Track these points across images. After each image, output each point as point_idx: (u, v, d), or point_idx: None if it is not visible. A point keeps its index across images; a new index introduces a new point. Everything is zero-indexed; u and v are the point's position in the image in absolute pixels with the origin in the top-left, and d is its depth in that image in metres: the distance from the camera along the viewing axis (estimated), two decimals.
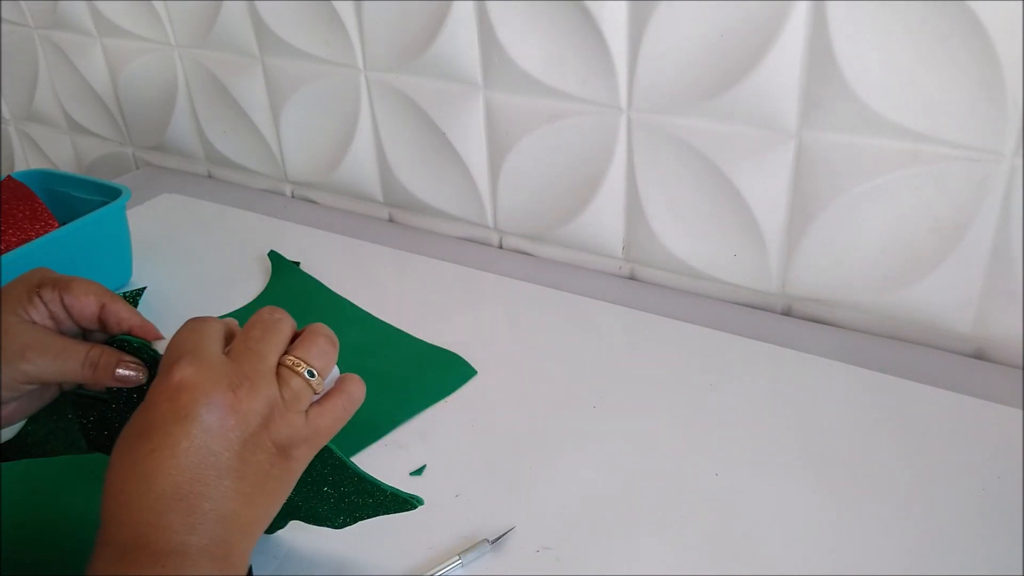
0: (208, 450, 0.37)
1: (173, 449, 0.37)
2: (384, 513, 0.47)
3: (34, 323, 0.45)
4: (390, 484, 0.45)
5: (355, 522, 0.47)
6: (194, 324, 0.41)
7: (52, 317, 0.45)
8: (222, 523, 0.37)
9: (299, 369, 0.41)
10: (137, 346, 0.45)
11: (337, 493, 0.45)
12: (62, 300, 0.45)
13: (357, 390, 0.43)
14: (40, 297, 0.45)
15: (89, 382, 0.44)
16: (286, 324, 0.43)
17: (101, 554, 0.36)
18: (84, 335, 0.47)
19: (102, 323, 0.46)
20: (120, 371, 0.44)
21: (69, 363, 0.44)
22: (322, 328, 0.43)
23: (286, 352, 0.42)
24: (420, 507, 0.46)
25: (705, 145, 0.66)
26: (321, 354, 0.42)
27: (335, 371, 0.44)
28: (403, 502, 0.46)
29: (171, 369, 0.38)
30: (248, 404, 0.38)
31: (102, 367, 0.44)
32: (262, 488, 0.39)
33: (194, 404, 0.37)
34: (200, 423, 0.37)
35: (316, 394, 0.42)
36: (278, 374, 0.41)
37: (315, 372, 0.41)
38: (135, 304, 0.72)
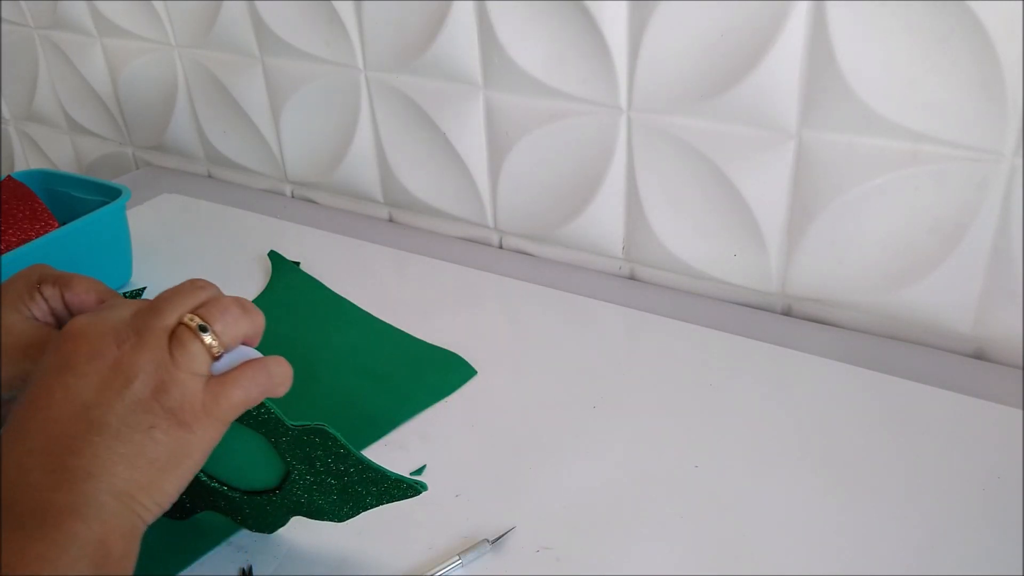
0: (82, 403, 0.35)
1: (48, 400, 0.36)
2: (388, 501, 0.46)
3: (35, 320, 0.44)
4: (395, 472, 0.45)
5: (358, 513, 0.47)
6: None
7: (53, 313, 0.45)
8: (91, 482, 0.35)
9: (192, 323, 0.39)
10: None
11: (340, 483, 0.45)
12: (63, 297, 0.45)
13: (279, 370, 0.41)
14: (41, 293, 0.45)
15: None
16: (204, 292, 0.41)
17: None
18: None
19: None
20: None
21: None
22: (238, 298, 0.41)
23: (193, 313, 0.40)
24: (423, 506, 0.46)
25: (705, 145, 0.66)
26: (228, 319, 0.40)
27: (253, 352, 0.41)
28: (407, 488, 0.46)
29: (67, 325, 0.38)
30: (132, 359, 0.37)
31: None
32: (146, 454, 0.36)
33: (75, 354, 0.36)
34: (77, 373, 0.36)
35: (215, 359, 0.39)
36: (173, 334, 0.38)
37: (211, 332, 0.39)
38: None
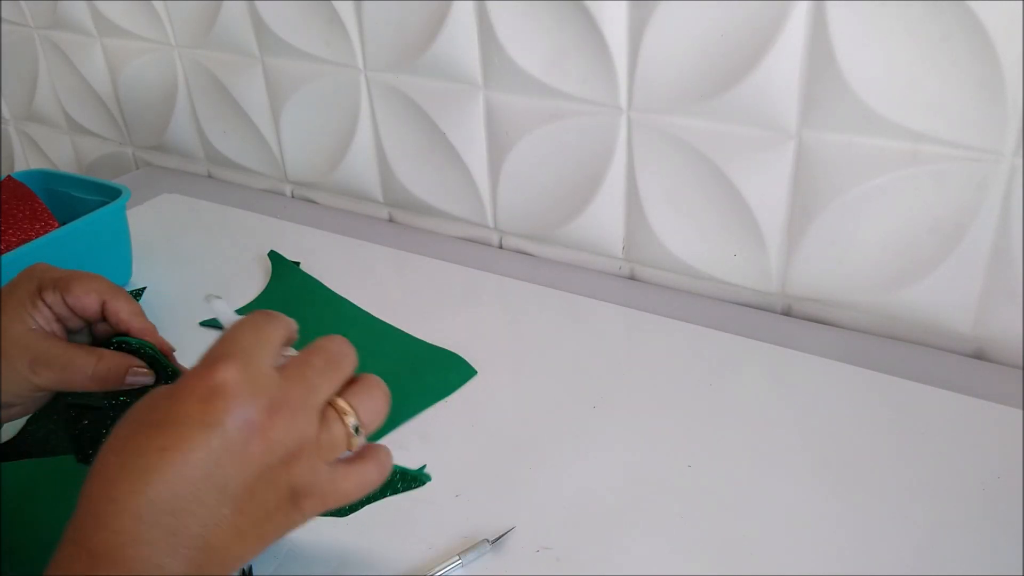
0: (220, 469, 0.33)
1: (185, 454, 0.33)
2: (393, 493, 0.46)
3: (40, 330, 0.44)
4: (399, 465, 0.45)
5: (362, 507, 0.47)
6: (257, 322, 0.38)
7: (57, 319, 0.45)
8: (204, 553, 0.33)
9: (347, 419, 0.37)
10: (136, 346, 0.45)
11: None
12: (64, 300, 0.44)
13: (387, 462, 0.40)
14: (43, 300, 0.44)
15: (98, 391, 0.44)
16: (349, 363, 0.39)
17: (67, 554, 0.33)
18: (91, 328, 0.47)
19: (104, 318, 0.46)
20: (130, 379, 0.43)
21: (76, 376, 0.43)
22: (381, 383, 0.40)
23: (339, 393, 0.38)
24: (423, 506, 0.46)
25: (705, 145, 0.66)
26: (374, 411, 0.39)
27: None
28: (412, 479, 0.45)
29: (214, 366, 0.34)
30: (280, 433, 0.35)
31: (112, 379, 0.43)
32: (258, 529, 0.35)
33: (225, 413, 0.33)
34: (224, 436, 0.33)
35: (349, 451, 0.38)
36: (323, 413, 0.37)
37: (360, 428, 0.38)
38: None
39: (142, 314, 0.46)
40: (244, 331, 0.37)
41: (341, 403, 0.38)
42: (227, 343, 0.36)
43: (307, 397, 0.36)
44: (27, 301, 0.44)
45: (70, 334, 0.47)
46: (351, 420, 0.37)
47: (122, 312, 0.45)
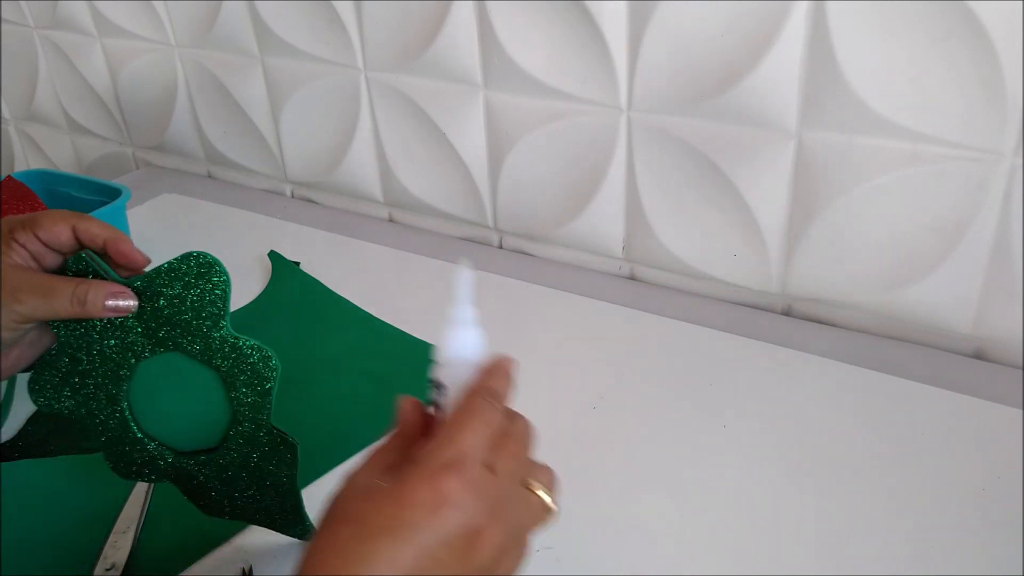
0: (444, 572, 0.34)
1: (417, 560, 0.33)
2: (273, 528, 0.48)
3: (18, 265, 0.45)
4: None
5: (238, 521, 0.48)
6: (478, 414, 0.38)
7: (34, 257, 0.46)
8: None
9: (540, 492, 0.39)
10: (101, 268, 0.45)
11: (254, 488, 0.46)
12: (37, 237, 0.45)
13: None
14: (16, 241, 0.45)
15: (81, 316, 0.44)
16: (532, 440, 0.41)
17: None
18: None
19: (80, 245, 0.46)
20: (111, 302, 0.44)
21: (58, 300, 0.44)
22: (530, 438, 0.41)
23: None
24: None
25: (705, 145, 0.66)
26: (548, 473, 0.40)
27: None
28: (302, 532, 0.47)
29: (441, 473, 0.35)
30: (499, 536, 0.35)
31: (91, 301, 0.44)
32: None
33: (452, 521, 0.34)
34: (449, 543, 0.34)
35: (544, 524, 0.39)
36: (525, 496, 0.38)
37: (551, 496, 0.39)
38: None
39: (111, 227, 0.47)
40: (470, 426, 0.38)
41: (541, 488, 0.39)
42: (452, 441, 0.37)
43: (515, 491, 0.38)
44: (2, 244, 0.45)
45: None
46: (546, 497, 0.39)
47: (93, 227, 0.46)
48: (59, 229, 0.45)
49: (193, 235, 0.87)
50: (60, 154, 1.18)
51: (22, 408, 0.59)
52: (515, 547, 0.37)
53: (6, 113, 1.21)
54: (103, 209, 0.72)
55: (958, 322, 0.62)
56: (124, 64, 1.01)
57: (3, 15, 1.09)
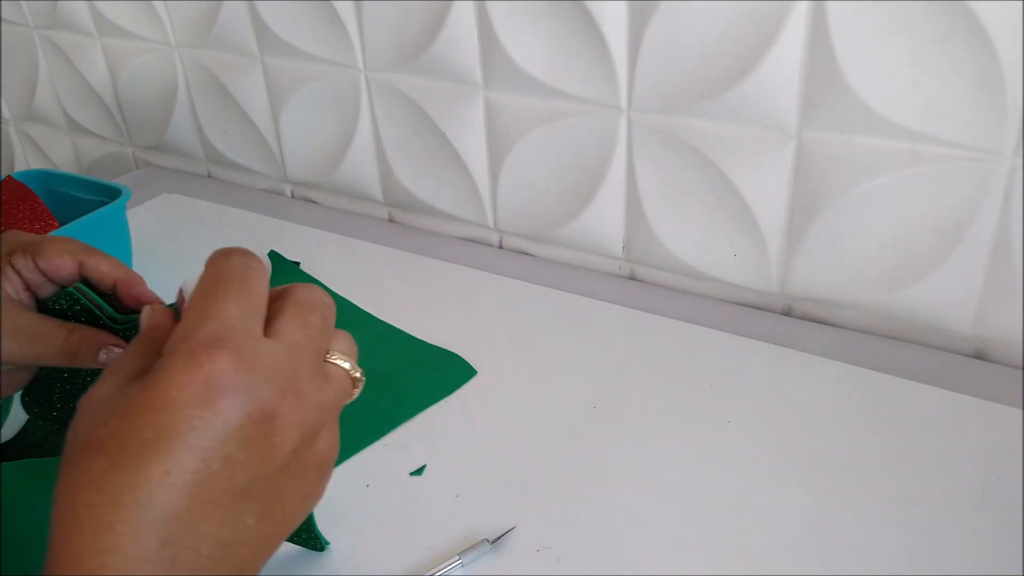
0: (241, 475, 0.28)
1: (197, 472, 0.27)
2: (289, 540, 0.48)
3: (8, 298, 0.40)
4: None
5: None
6: (236, 276, 0.31)
7: (27, 286, 0.41)
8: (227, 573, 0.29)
9: (344, 364, 0.34)
10: (95, 303, 0.41)
11: None
12: (36, 265, 0.41)
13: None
14: (12, 266, 0.41)
15: (70, 365, 0.41)
16: (332, 311, 0.34)
17: None
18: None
19: (85, 280, 0.42)
20: (103, 356, 0.40)
21: (46, 349, 0.40)
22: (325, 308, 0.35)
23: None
24: (423, 506, 0.46)
25: (705, 145, 0.66)
26: (348, 342, 0.35)
27: None
28: (311, 539, 0.47)
29: (202, 356, 0.28)
30: (300, 414, 0.30)
31: (83, 354, 0.40)
32: (288, 523, 0.32)
33: (232, 410, 0.28)
34: (241, 435, 0.28)
35: (353, 397, 0.35)
36: (326, 371, 0.33)
37: (355, 367, 0.34)
38: None
39: (123, 265, 0.43)
40: (226, 294, 0.31)
41: (340, 357, 0.34)
42: (208, 315, 0.30)
43: (315, 364, 0.32)
44: None
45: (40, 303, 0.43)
46: (347, 365, 0.34)
47: (103, 266, 0.42)
48: (63, 262, 0.41)
49: (193, 235, 0.87)
50: (60, 154, 1.18)
51: (22, 408, 0.59)
52: (325, 427, 0.32)
53: (6, 113, 1.21)
54: (103, 209, 0.72)
55: (958, 322, 0.62)
56: (124, 64, 1.01)
57: (3, 15, 1.09)
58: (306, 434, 0.31)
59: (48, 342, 0.40)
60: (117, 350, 0.40)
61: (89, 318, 0.41)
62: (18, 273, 0.41)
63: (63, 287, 0.42)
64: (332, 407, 0.33)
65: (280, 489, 0.30)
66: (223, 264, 0.32)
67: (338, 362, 0.34)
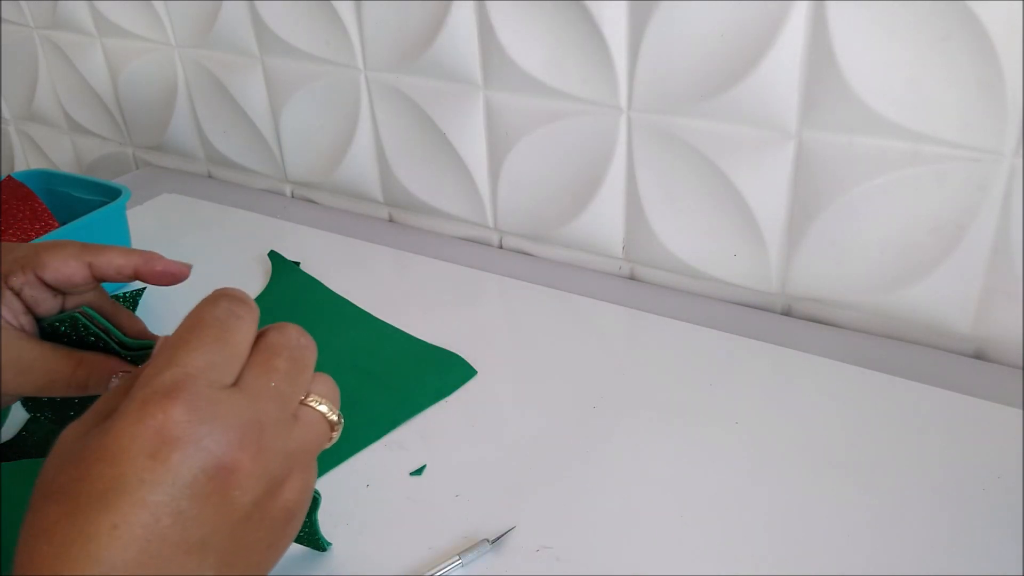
0: (195, 529, 0.27)
1: (147, 526, 0.26)
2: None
3: (8, 328, 0.38)
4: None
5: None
6: (220, 321, 0.31)
7: (27, 307, 0.39)
8: None
9: (321, 408, 0.32)
10: (102, 327, 0.39)
11: None
12: (39, 279, 0.38)
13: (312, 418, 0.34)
14: (10, 288, 0.38)
15: (78, 395, 0.39)
16: (312, 356, 0.33)
17: None
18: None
19: (97, 280, 0.40)
20: (115, 383, 0.38)
21: (55, 384, 0.38)
22: (310, 359, 0.34)
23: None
24: (423, 506, 0.46)
25: (705, 145, 0.66)
26: (330, 387, 0.34)
27: None
28: (313, 539, 0.47)
29: (156, 403, 0.27)
30: (260, 465, 0.29)
31: (94, 386, 0.38)
32: (255, 570, 0.30)
33: (183, 464, 0.27)
34: (192, 489, 0.27)
35: (332, 442, 0.34)
36: (298, 416, 0.32)
37: (336, 414, 0.33)
38: (134, 306, 0.72)
39: (133, 250, 0.41)
40: (198, 343, 0.30)
41: (317, 399, 0.33)
42: (172, 362, 0.29)
43: (281, 411, 0.31)
44: None
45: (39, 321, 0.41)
46: (324, 408, 0.32)
47: (116, 259, 0.40)
48: (70, 269, 0.39)
49: (193, 235, 0.87)
50: (60, 154, 1.18)
51: (22, 408, 0.59)
52: (292, 475, 0.31)
53: (6, 113, 1.21)
54: (103, 209, 0.72)
55: (958, 322, 0.62)
56: (124, 64, 1.01)
57: (3, 15, 1.09)
58: (270, 484, 0.29)
59: (56, 376, 0.38)
60: (130, 376, 0.39)
61: (96, 341, 0.39)
62: (17, 294, 0.38)
63: (73, 293, 0.40)
64: (303, 453, 0.32)
65: (242, 541, 0.29)
66: (206, 310, 0.32)
67: (315, 405, 0.32)
